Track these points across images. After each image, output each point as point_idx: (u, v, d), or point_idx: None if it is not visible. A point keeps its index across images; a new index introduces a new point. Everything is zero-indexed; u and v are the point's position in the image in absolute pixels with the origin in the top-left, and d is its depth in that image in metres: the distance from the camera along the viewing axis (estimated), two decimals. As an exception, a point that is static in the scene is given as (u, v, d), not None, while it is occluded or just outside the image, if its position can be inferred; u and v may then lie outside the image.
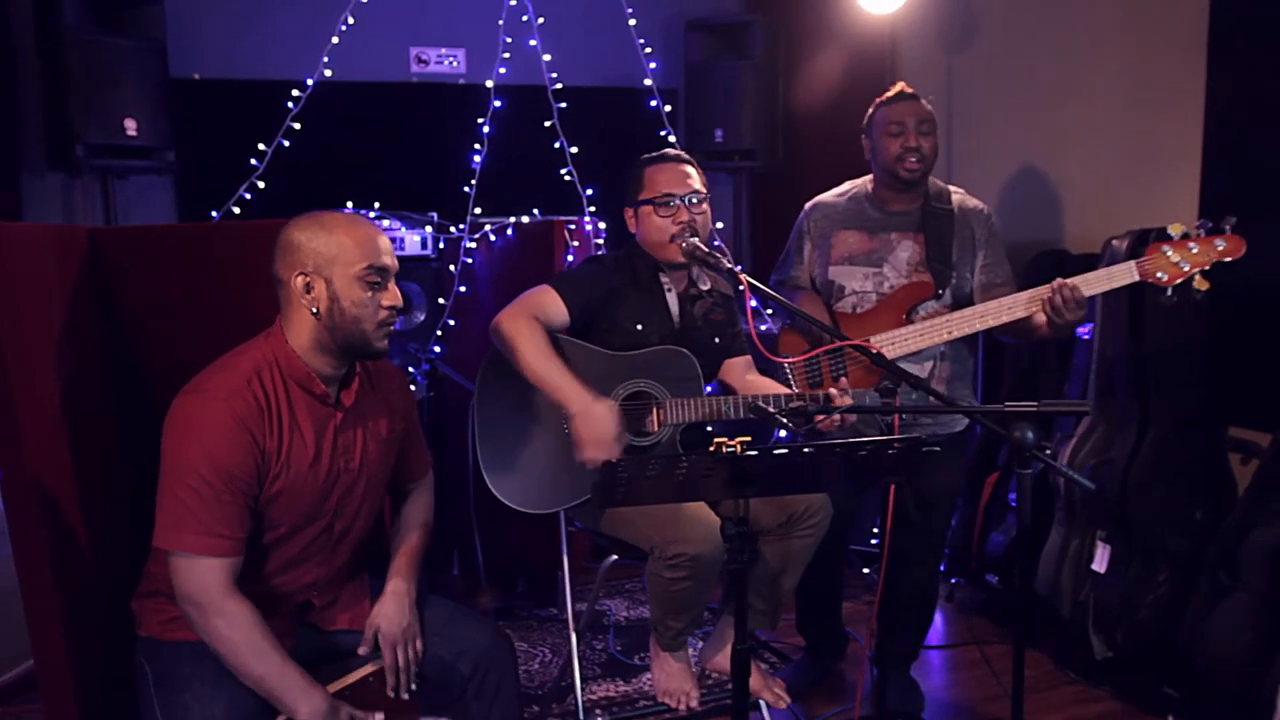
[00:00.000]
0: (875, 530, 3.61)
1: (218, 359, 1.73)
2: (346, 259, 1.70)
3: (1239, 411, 2.86)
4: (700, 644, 2.72)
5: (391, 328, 1.76)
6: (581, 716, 2.38)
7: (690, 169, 2.36)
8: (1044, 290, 2.34)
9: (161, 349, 2.05)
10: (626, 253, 2.41)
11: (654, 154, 2.39)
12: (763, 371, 2.55)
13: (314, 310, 1.70)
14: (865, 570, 3.59)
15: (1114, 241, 2.93)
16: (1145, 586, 2.79)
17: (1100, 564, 2.89)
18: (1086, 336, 3.10)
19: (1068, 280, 2.31)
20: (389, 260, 1.75)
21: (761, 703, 2.49)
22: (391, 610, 1.84)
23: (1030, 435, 1.80)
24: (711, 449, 1.46)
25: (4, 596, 2.76)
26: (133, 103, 3.42)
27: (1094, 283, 2.34)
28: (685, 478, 1.61)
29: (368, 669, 1.83)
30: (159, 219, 3.85)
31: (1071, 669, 2.97)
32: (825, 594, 2.89)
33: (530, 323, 2.21)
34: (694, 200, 2.32)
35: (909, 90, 2.59)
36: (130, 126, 3.39)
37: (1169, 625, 2.72)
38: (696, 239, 2.28)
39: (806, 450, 1.55)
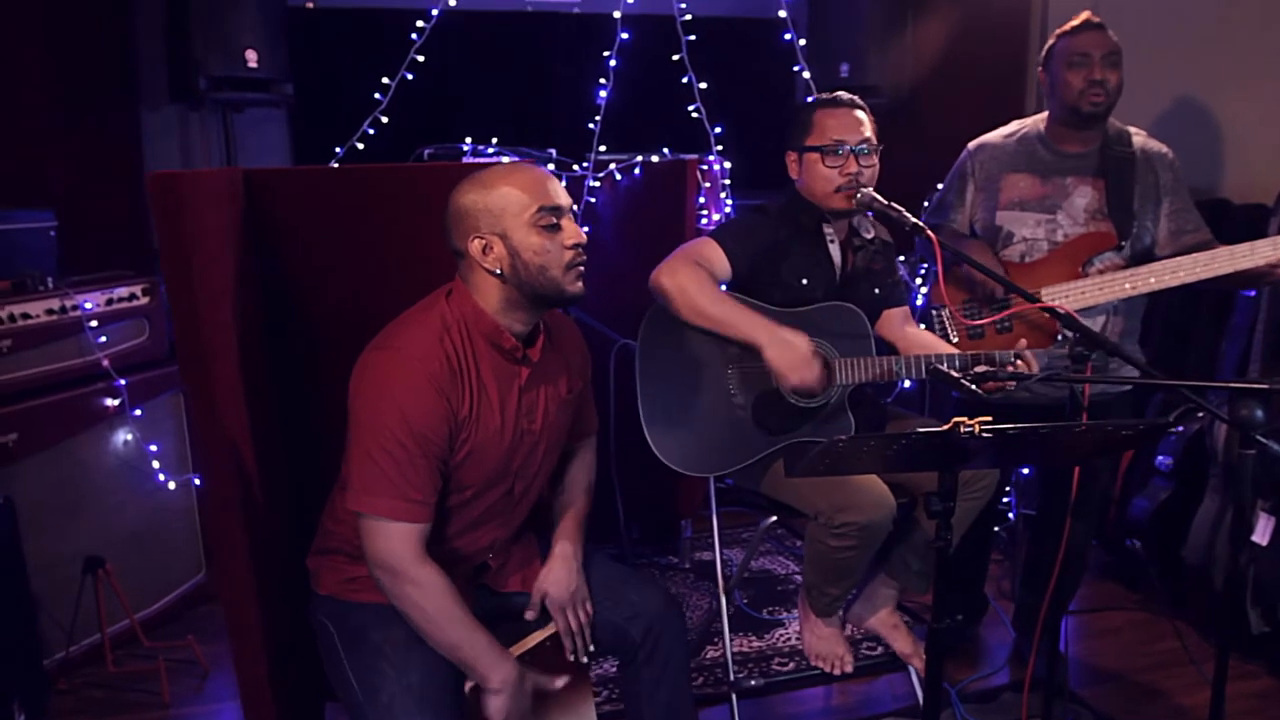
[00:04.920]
0: (1006, 488, 3.50)
1: (401, 314, 1.66)
2: (515, 208, 1.62)
3: None
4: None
5: (581, 268, 1.67)
6: (732, 677, 2.34)
7: (864, 115, 2.22)
8: (1248, 246, 2.17)
9: (319, 296, 2.00)
10: (789, 200, 2.29)
11: (826, 96, 2.26)
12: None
13: (497, 271, 1.63)
14: (995, 529, 3.48)
15: (1295, 193, 2.72)
16: (1313, 560, 2.64)
17: (1262, 535, 2.75)
18: (1252, 293, 2.90)
19: None
20: (559, 198, 1.66)
21: (910, 668, 2.43)
22: (561, 574, 1.80)
23: (1260, 414, 1.66)
24: (948, 427, 1.36)
25: (145, 534, 2.84)
26: (252, 33, 3.34)
27: None
28: (897, 452, 1.52)
29: (543, 633, 1.79)
30: (274, 153, 3.80)
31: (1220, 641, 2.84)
32: (973, 557, 2.80)
33: (695, 269, 2.12)
34: (864, 150, 2.18)
35: (1095, 20, 2.39)
36: (251, 58, 3.31)
37: (1339, 602, 2.59)
38: (871, 189, 2.15)
39: (1059, 430, 1.44)
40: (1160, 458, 3.13)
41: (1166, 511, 3.04)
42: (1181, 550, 2.97)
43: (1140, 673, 2.75)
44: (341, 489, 1.67)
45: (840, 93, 2.26)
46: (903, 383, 3.33)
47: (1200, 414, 3.05)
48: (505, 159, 3.46)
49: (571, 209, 1.69)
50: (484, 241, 1.63)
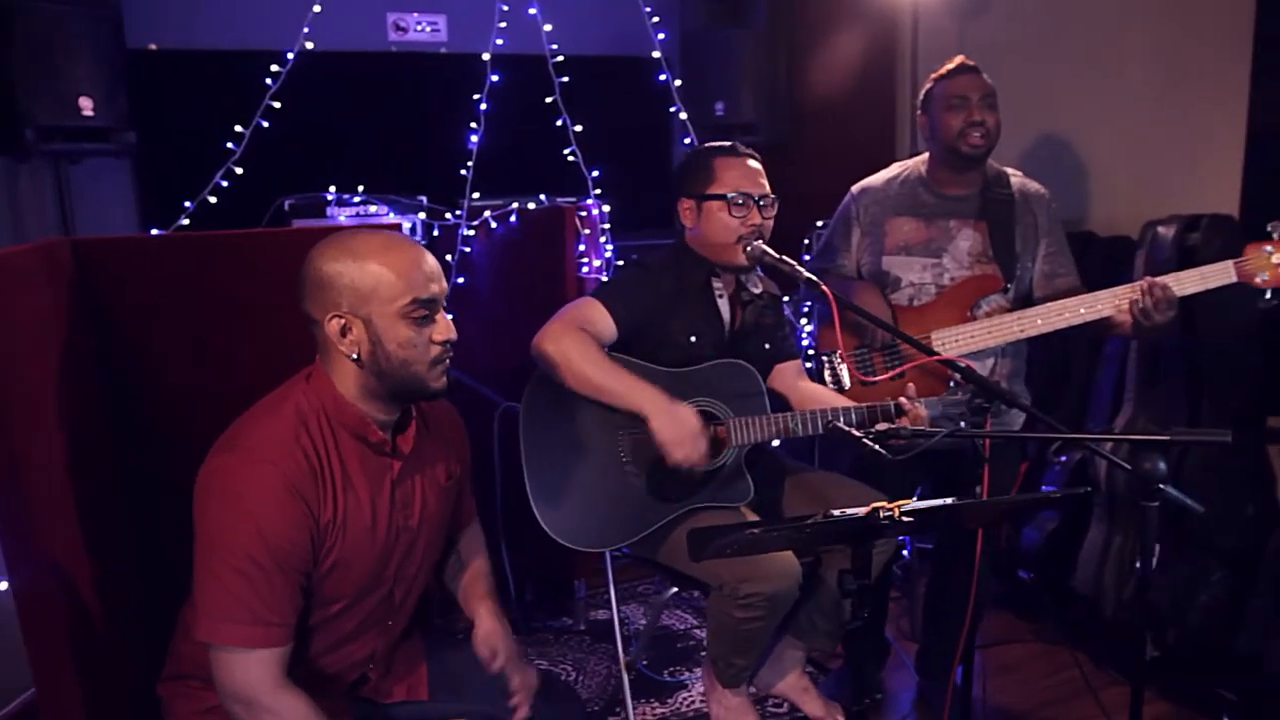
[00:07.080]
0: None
1: (251, 407, 1.48)
2: (386, 294, 1.44)
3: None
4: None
5: (447, 364, 1.52)
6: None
7: (759, 166, 2.17)
8: (1129, 289, 2.19)
9: (169, 378, 1.79)
10: (675, 253, 2.20)
11: (722, 145, 2.21)
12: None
13: (354, 356, 1.46)
14: (893, 568, 3.46)
15: (1159, 228, 2.80)
16: (1197, 586, 2.69)
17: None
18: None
19: (1157, 279, 2.17)
20: (436, 287, 1.49)
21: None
22: (503, 629, 1.70)
23: (1162, 466, 1.64)
24: (868, 512, 1.27)
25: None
26: (87, 79, 3.05)
27: (1186, 282, 2.19)
28: (809, 535, 1.42)
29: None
30: (117, 208, 3.50)
31: (1114, 668, 2.88)
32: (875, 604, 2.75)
33: (579, 334, 2.00)
34: (766, 203, 2.12)
35: (969, 63, 2.42)
36: (85, 106, 3.03)
37: (1224, 625, 2.65)
38: (762, 243, 2.08)
39: (972, 507, 1.37)
40: (1046, 488, 3.17)
41: (1055, 542, 3.08)
42: (1071, 580, 3.01)
43: (1046, 707, 2.74)
44: (192, 606, 1.47)
45: (736, 143, 2.21)
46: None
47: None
48: (373, 208, 3.28)
49: (444, 300, 1.53)
50: (343, 321, 1.45)
